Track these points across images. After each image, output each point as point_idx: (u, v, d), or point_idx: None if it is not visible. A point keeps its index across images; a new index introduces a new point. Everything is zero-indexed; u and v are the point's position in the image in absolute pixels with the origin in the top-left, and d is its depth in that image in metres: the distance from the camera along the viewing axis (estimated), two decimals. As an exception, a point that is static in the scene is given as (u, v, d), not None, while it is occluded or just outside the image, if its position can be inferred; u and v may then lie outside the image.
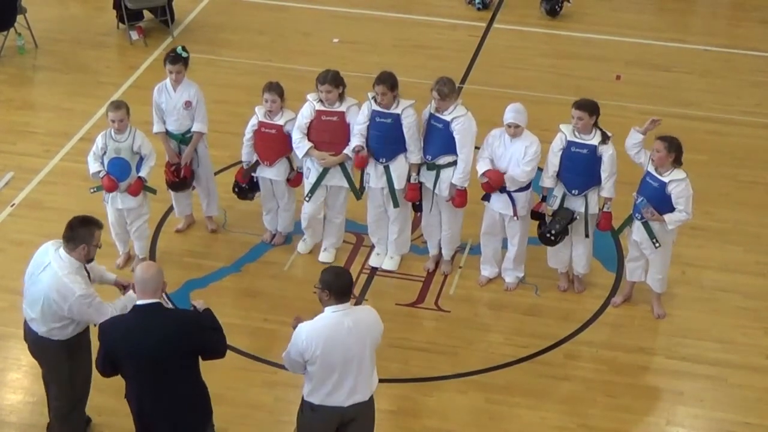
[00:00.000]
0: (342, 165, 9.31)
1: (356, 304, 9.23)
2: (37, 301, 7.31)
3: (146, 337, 6.54)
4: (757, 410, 8.33)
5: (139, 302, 6.62)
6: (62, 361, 7.48)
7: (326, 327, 6.57)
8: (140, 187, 9.17)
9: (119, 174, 9.09)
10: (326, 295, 6.58)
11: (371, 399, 6.85)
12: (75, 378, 7.59)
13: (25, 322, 7.58)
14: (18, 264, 9.55)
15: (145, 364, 6.59)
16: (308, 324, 6.63)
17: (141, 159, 9.15)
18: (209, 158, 9.83)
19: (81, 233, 7.20)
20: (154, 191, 9.42)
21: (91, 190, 9.31)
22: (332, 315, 6.59)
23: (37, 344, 7.52)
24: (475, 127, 8.98)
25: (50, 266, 7.26)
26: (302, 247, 9.86)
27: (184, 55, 9.42)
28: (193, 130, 9.52)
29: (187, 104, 9.46)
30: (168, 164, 9.61)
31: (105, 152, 9.07)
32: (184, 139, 9.56)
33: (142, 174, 9.16)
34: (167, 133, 9.57)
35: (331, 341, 6.54)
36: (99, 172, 9.10)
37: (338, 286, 6.56)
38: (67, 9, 14.31)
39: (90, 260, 7.33)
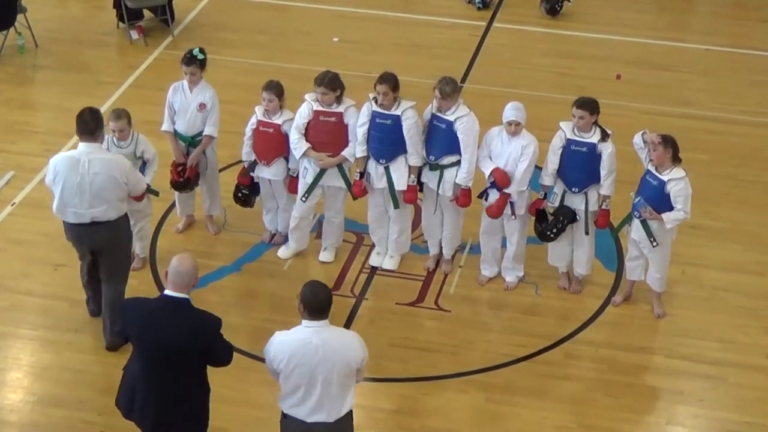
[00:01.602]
0: (339, 165, 9.31)
1: (357, 303, 9.27)
2: (103, 190, 8.06)
3: (163, 328, 6.55)
4: (757, 409, 8.33)
5: (167, 292, 6.62)
6: (130, 231, 8.62)
7: (294, 341, 6.51)
8: (144, 193, 9.16)
9: None
10: (302, 309, 6.52)
11: (338, 423, 6.68)
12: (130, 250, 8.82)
13: (89, 233, 8.19)
14: (18, 263, 9.60)
15: (153, 353, 6.60)
16: (281, 334, 6.61)
17: (144, 163, 9.14)
18: (216, 161, 9.83)
19: (98, 121, 8.08)
20: (156, 193, 9.40)
21: None
22: (303, 330, 6.52)
23: (111, 232, 8.23)
24: (478, 126, 8.98)
25: (94, 160, 8.02)
26: (283, 252, 9.76)
27: (200, 57, 9.38)
28: (204, 133, 9.51)
29: (202, 107, 9.45)
30: (174, 164, 9.61)
31: None
32: (194, 141, 9.55)
33: (146, 179, 9.10)
34: (176, 133, 9.57)
35: (296, 357, 6.47)
36: None
37: (313, 303, 6.48)
38: (67, 8, 14.31)
39: (102, 141, 8.33)
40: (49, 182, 8.21)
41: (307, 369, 6.47)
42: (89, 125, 8.04)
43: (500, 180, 8.90)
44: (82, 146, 8.07)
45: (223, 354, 6.77)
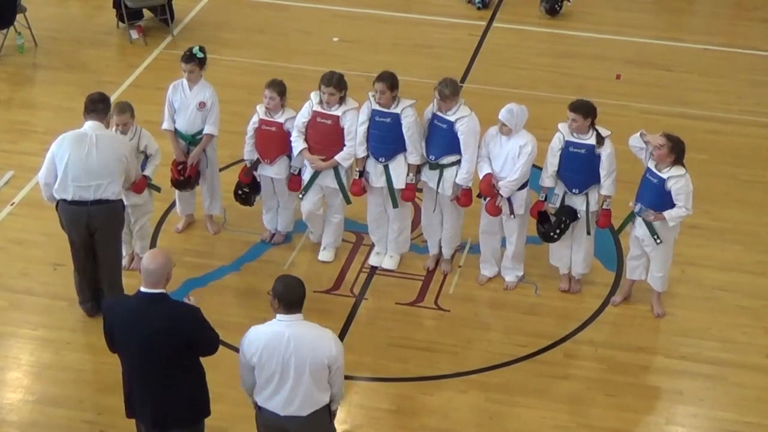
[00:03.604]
0: (335, 168, 9.30)
1: (356, 303, 9.27)
2: (109, 164, 8.35)
3: (143, 324, 6.56)
4: (757, 409, 8.34)
5: (143, 290, 6.63)
6: (123, 217, 8.76)
7: (267, 333, 6.56)
8: (144, 185, 9.16)
9: None
10: (276, 304, 6.56)
11: (311, 417, 6.69)
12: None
13: (88, 212, 8.36)
14: (18, 263, 9.60)
15: (138, 350, 6.61)
16: (256, 327, 6.65)
17: (146, 158, 9.17)
18: (217, 160, 9.83)
19: (106, 104, 8.54)
20: (158, 189, 9.43)
21: None
22: (277, 323, 6.57)
23: (109, 212, 8.46)
24: (479, 126, 8.98)
25: (101, 136, 8.39)
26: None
27: (199, 55, 9.40)
28: (204, 132, 9.52)
29: (201, 105, 9.46)
30: (174, 162, 9.62)
31: None
32: (194, 140, 9.56)
33: (147, 173, 9.16)
34: (176, 132, 9.58)
35: (269, 349, 6.52)
36: None
37: (286, 297, 6.52)
38: (67, 8, 14.31)
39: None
40: (51, 155, 8.40)
41: (280, 360, 6.52)
42: (98, 105, 8.47)
43: (484, 189, 8.92)
44: (89, 123, 8.43)
45: (208, 343, 6.77)
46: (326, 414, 6.79)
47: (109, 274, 8.73)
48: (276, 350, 6.52)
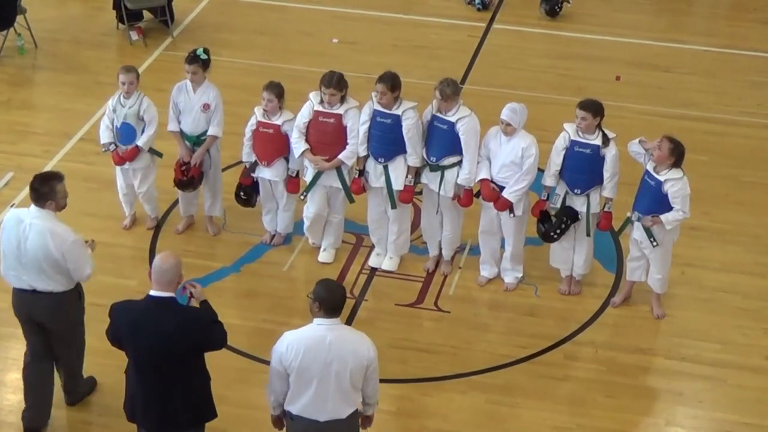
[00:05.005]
0: (338, 168, 9.30)
1: (356, 304, 9.27)
2: (36, 259, 7.49)
3: (151, 329, 6.56)
4: (757, 411, 8.34)
5: (153, 293, 6.63)
6: (78, 307, 7.84)
7: (308, 338, 6.53)
8: (135, 154, 9.49)
9: (125, 139, 9.51)
10: (317, 307, 6.53)
11: (350, 418, 6.71)
12: (82, 325, 7.99)
13: (30, 301, 7.68)
14: (17, 264, 9.58)
15: (145, 354, 6.61)
16: (293, 332, 6.61)
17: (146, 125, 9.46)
18: (220, 161, 9.84)
19: (44, 191, 7.50)
20: (160, 155, 9.67)
21: (103, 150, 9.67)
22: (317, 327, 6.54)
23: (57, 304, 7.67)
24: (479, 126, 8.98)
25: (35, 225, 7.49)
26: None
27: (203, 57, 9.43)
28: (208, 133, 9.54)
29: (206, 107, 9.48)
30: (178, 163, 9.64)
31: (115, 114, 9.49)
32: (199, 141, 9.58)
33: (139, 142, 9.45)
34: (181, 133, 9.61)
35: (311, 353, 6.48)
36: (110, 144, 9.55)
37: (329, 301, 6.51)
38: (67, 9, 14.31)
39: (61, 209, 7.62)
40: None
41: (322, 365, 6.49)
42: (38, 192, 7.53)
43: (486, 196, 8.93)
44: (33, 209, 7.57)
45: (216, 341, 6.78)
46: (357, 415, 6.81)
47: (66, 367, 8.12)
48: (317, 355, 6.48)
